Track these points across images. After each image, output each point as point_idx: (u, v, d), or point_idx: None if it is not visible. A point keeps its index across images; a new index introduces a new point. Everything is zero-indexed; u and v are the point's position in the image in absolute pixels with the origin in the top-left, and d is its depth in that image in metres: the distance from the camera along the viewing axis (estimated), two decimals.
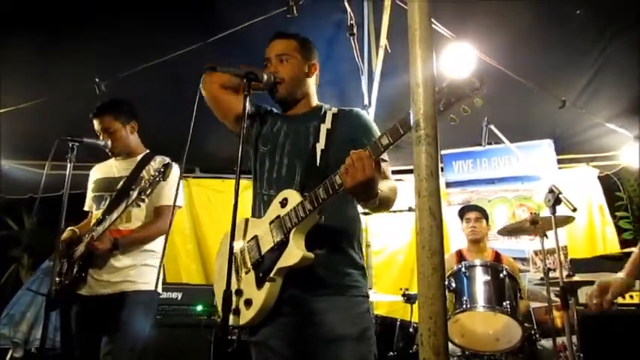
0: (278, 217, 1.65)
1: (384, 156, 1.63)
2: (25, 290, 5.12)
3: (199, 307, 4.11)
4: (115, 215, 2.38)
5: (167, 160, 2.66)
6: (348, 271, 1.71)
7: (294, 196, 1.63)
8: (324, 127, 1.78)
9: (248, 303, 1.64)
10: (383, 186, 1.57)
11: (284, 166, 1.77)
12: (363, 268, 1.77)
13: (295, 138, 1.80)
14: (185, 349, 3.72)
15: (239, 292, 1.68)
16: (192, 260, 5.00)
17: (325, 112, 1.85)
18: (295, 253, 1.57)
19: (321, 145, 1.74)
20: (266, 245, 1.66)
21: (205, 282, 4.82)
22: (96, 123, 2.66)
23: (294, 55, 1.85)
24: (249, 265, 1.70)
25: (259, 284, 1.64)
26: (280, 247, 1.61)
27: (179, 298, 4.10)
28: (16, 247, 6.15)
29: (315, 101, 1.93)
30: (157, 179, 2.25)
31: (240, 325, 1.66)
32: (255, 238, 1.71)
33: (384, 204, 1.61)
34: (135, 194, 2.28)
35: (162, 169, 2.24)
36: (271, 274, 1.61)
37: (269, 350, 1.67)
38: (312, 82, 1.92)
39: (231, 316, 1.64)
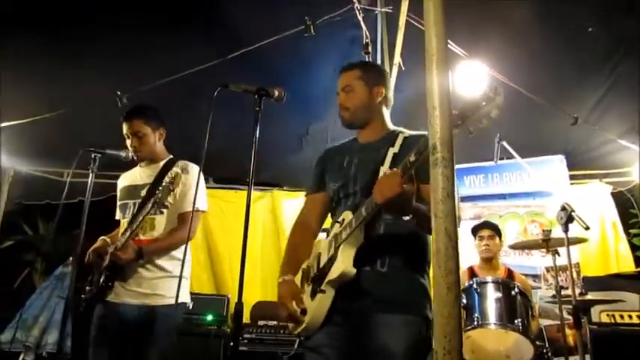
0: (335, 234, 1.77)
1: None
2: (38, 294, 5.19)
3: (210, 317, 4.14)
4: (134, 225, 2.39)
5: (188, 164, 2.66)
6: (407, 289, 1.74)
7: (348, 216, 1.75)
8: (391, 151, 1.83)
9: (304, 312, 1.75)
10: (423, 204, 1.61)
11: (358, 196, 1.83)
12: (425, 288, 1.77)
13: (366, 167, 1.87)
14: (195, 359, 3.75)
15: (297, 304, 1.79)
16: (203, 270, 5.02)
17: (397, 136, 1.89)
18: (339, 267, 1.67)
19: (385, 169, 1.78)
20: (323, 260, 1.79)
21: (216, 292, 4.86)
22: (125, 126, 2.65)
23: (356, 84, 1.94)
24: (310, 278, 1.83)
25: (313, 295, 1.75)
26: (331, 261, 1.72)
27: (190, 307, 4.13)
28: (31, 251, 6.24)
29: (388, 125, 1.98)
30: (170, 188, 2.27)
31: (297, 333, 1.78)
32: (319, 254, 1.84)
33: (423, 221, 1.61)
34: (149, 205, 2.30)
35: (172, 178, 2.26)
36: (322, 287, 1.71)
37: (320, 357, 1.74)
38: (380, 106, 1.97)
39: (292, 326, 1.81)
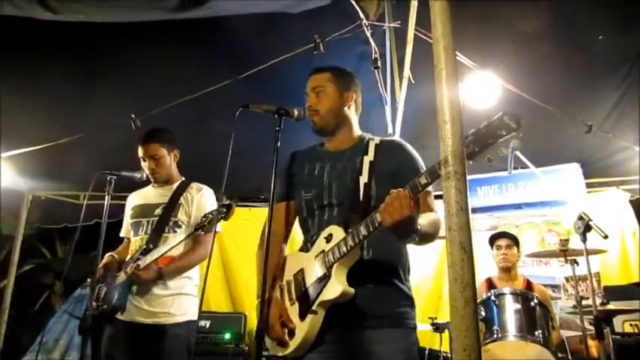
0: (323, 251, 1.69)
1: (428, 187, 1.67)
2: (58, 317, 5.25)
3: (227, 335, 4.15)
4: (165, 248, 2.43)
5: (202, 186, 2.76)
6: (399, 303, 1.74)
7: (338, 232, 1.68)
8: (367, 159, 1.82)
9: (291, 334, 1.68)
10: (423, 220, 1.62)
11: (335, 209, 1.80)
12: (412, 299, 1.79)
13: (342, 178, 1.83)
14: None
15: (284, 324, 1.72)
16: (220, 288, 5.03)
17: (368, 143, 1.88)
18: (335, 288, 1.61)
19: (364, 179, 1.78)
20: (310, 278, 1.70)
21: (233, 310, 4.86)
22: (142, 150, 2.73)
23: (328, 86, 1.90)
24: (294, 296, 1.74)
25: (302, 316, 1.67)
26: (323, 281, 1.65)
27: (208, 326, 4.16)
28: (49, 274, 6.33)
29: (356, 131, 1.96)
30: (219, 218, 2.28)
31: (284, 356, 1.69)
32: (302, 271, 1.76)
33: (424, 239, 1.65)
34: (191, 229, 2.34)
35: (224, 210, 2.25)
36: (313, 307, 1.64)
37: None
38: (350, 111, 1.94)
39: (275, 346, 1.72)
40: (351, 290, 1.61)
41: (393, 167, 1.81)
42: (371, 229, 1.56)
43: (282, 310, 1.72)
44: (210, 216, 2.27)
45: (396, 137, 1.93)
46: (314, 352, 1.67)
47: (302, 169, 1.93)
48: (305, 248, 1.84)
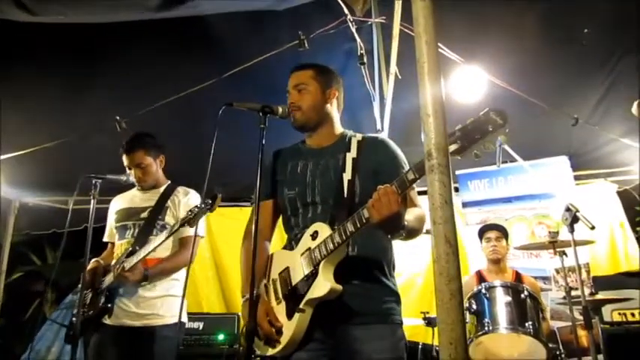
0: (309, 249, 1.68)
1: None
2: (49, 325, 5.20)
3: (221, 337, 4.12)
4: (151, 246, 2.41)
5: (190, 191, 2.74)
6: (385, 299, 1.74)
7: (324, 229, 1.67)
8: (349, 157, 1.82)
9: (279, 333, 1.67)
10: (410, 216, 1.62)
11: (318, 206, 1.79)
12: (398, 295, 1.80)
13: (325, 175, 1.82)
14: None
15: (271, 323, 1.70)
16: (212, 289, 5.02)
17: (350, 140, 1.88)
18: (323, 285, 1.60)
19: (347, 176, 1.78)
20: (296, 276, 1.69)
21: (226, 311, 4.84)
22: (127, 159, 2.70)
23: (310, 83, 1.90)
24: (280, 295, 1.73)
25: (289, 315, 1.67)
26: (310, 278, 1.64)
27: (200, 327, 4.13)
28: (40, 281, 6.26)
29: (338, 128, 1.96)
30: (204, 210, 2.27)
31: (271, 355, 1.68)
32: (287, 269, 1.74)
33: (411, 234, 1.65)
34: (177, 225, 2.32)
35: (209, 201, 2.26)
36: (300, 305, 1.63)
37: None
38: (332, 108, 1.94)
39: (263, 346, 1.70)
40: (339, 287, 1.60)
41: (376, 164, 1.81)
42: (358, 225, 1.56)
43: (268, 309, 1.71)
44: (196, 209, 2.26)
45: (379, 135, 1.93)
46: (302, 350, 1.67)
47: (285, 167, 1.93)
48: (289, 246, 1.83)
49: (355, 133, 1.94)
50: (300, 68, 1.95)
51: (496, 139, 1.40)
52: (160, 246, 2.46)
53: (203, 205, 2.25)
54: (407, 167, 1.76)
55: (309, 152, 1.93)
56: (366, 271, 1.73)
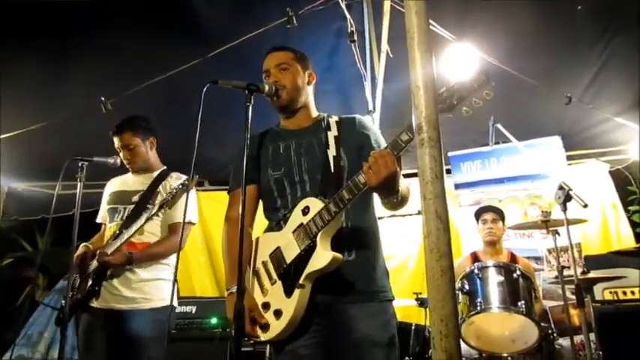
0: (301, 224, 1.66)
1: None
2: (41, 311, 5.17)
3: (214, 320, 4.11)
4: (133, 229, 2.40)
5: (183, 177, 2.70)
6: (376, 276, 1.74)
7: (315, 203, 1.65)
8: (331, 135, 1.82)
9: (278, 314, 1.64)
10: (401, 184, 1.62)
11: (307, 184, 1.78)
12: (387, 271, 1.81)
13: (311, 152, 1.81)
14: None
15: (266, 306, 1.68)
16: (205, 273, 5.01)
17: (328, 121, 1.90)
18: (325, 255, 1.58)
19: (332, 152, 1.78)
20: (291, 254, 1.67)
21: (219, 294, 4.83)
22: (116, 140, 2.70)
23: (293, 64, 1.89)
24: (274, 276, 1.70)
25: (288, 293, 1.63)
26: (307, 252, 1.62)
27: (193, 311, 4.12)
28: (31, 268, 6.21)
29: (315, 111, 1.97)
30: (181, 191, 2.25)
31: (271, 339, 1.65)
32: (278, 249, 1.72)
33: (401, 202, 1.67)
34: (156, 208, 2.30)
35: (185, 182, 2.24)
36: (300, 281, 1.61)
37: (298, 359, 1.66)
38: (311, 91, 1.96)
39: (259, 331, 1.66)
40: (340, 256, 1.59)
41: (358, 139, 1.83)
42: (355, 191, 1.54)
43: (252, 307, 1.67)
44: (174, 191, 2.23)
45: (355, 115, 1.92)
46: (298, 334, 1.65)
47: (265, 149, 1.91)
48: (276, 228, 1.80)
49: (331, 115, 1.94)
50: (280, 49, 1.94)
51: (484, 97, 1.40)
52: (142, 228, 2.44)
53: (180, 186, 2.22)
54: (384, 144, 1.77)
55: (288, 134, 1.91)
56: (360, 245, 1.73)
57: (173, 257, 2.62)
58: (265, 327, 1.66)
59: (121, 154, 2.70)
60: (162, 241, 2.57)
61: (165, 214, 2.54)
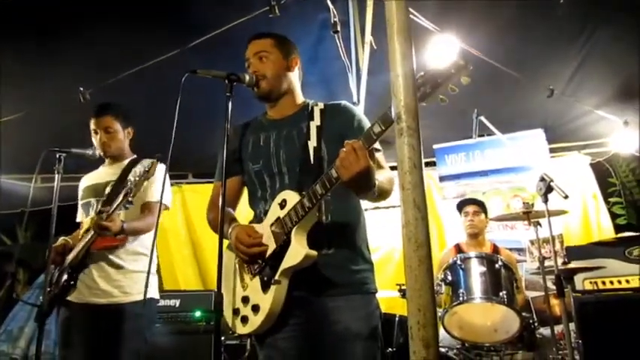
0: (278, 218, 1.64)
1: (377, 145, 1.64)
2: (22, 305, 5.08)
3: (198, 313, 4.08)
4: (114, 205, 2.30)
5: (152, 161, 2.63)
6: (359, 268, 1.71)
7: (292, 196, 1.62)
8: (313, 125, 1.78)
9: (255, 309, 1.63)
10: (379, 176, 1.57)
11: (285, 175, 1.75)
12: (371, 263, 1.78)
13: (289, 143, 1.78)
14: (185, 356, 3.70)
15: (245, 299, 1.67)
16: (189, 266, 4.98)
17: (312, 109, 1.85)
18: (298, 251, 1.56)
19: (313, 143, 1.74)
20: (269, 248, 1.65)
21: (203, 287, 4.81)
22: (95, 122, 2.63)
23: (272, 51, 1.85)
24: (253, 270, 1.68)
25: (265, 288, 1.62)
26: (282, 248, 1.60)
27: (177, 305, 4.08)
28: (11, 262, 6.10)
29: (300, 98, 1.93)
30: (142, 179, 2.21)
31: (250, 333, 1.65)
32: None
33: (382, 194, 1.61)
34: (121, 197, 2.24)
35: (146, 169, 2.20)
36: (276, 277, 1.59)
37: (278, 352, 1.65)
38: (294, 77, 1.91)
39: (239, 325, 1.66)
40: (314, 253, 1.56)
41: (341, 128, 1.77)
42: (328, 186, 1.50)
43: (249, 231, 1.68)
44: (136, 180, 2.19)
45: (341, 101, 1.88)
46: (279, 327, 1.64)
47: (247, 141, 1.89)
48: (258, 220, 1.78)
49: (317, 102, 1.90)
50: (259, 37, 1.90)
51: (460, 82, 1.35)
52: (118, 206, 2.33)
53: (143, 172, 2.18)
54: None
55: (270, 124, 1.89)
56: (340, 239, 1.70)
57: (149, 246, 2.48)
58: (244, 320, 1.65)
59: (97, 137, 2.62)
60: (144, 216, 2.52)
61: (138, 196, 2.42)
